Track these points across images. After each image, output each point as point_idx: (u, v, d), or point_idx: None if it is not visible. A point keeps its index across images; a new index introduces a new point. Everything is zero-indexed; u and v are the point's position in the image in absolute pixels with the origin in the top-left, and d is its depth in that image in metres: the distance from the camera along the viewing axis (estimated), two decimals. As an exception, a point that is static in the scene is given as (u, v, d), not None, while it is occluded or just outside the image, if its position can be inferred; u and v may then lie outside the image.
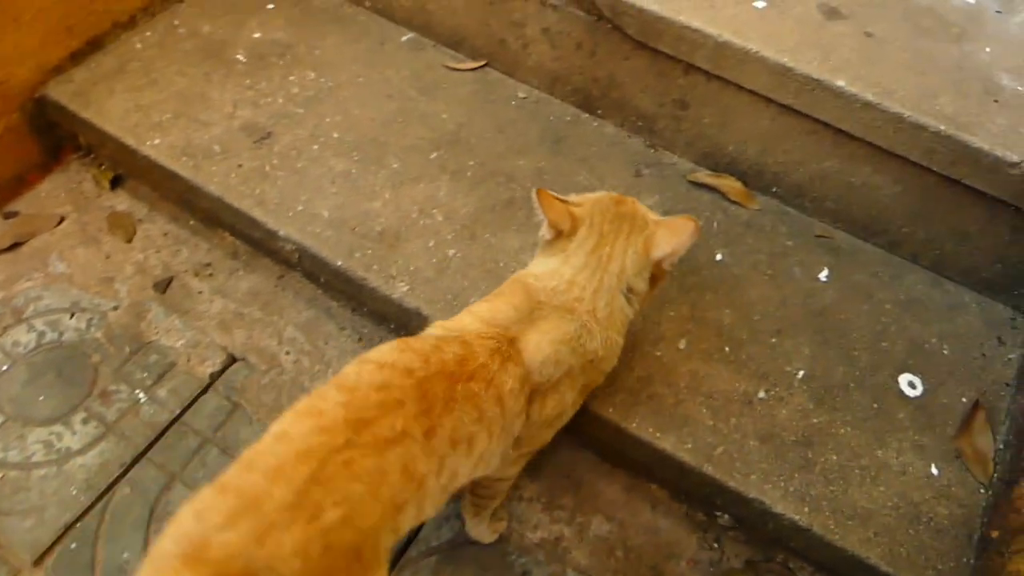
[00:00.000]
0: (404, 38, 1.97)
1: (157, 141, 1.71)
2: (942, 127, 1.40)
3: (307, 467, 0.87)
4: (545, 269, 1.19)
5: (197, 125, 1.74)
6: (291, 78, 1.85)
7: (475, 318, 1.13)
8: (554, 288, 1.16)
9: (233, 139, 1.73)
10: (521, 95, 1.87)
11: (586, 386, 1.22)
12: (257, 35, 1.94)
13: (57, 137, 1.88)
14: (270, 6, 2.01)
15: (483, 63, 1.91)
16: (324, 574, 0.86)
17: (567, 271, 1.18)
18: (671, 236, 1.20)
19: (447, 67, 1.91)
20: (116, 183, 1.90)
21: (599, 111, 1.83)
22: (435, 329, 1.14)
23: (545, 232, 1.22)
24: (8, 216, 1.82)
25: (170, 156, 1.69)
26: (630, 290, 1.20)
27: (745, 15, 1.56)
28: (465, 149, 1.75)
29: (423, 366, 1.01)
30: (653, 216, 1.25)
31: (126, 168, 1.83)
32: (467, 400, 1.02)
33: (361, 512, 0.89)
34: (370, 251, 1.56)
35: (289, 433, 0.92)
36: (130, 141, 1.71)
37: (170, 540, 0.84)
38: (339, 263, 1.54)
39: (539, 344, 1.11)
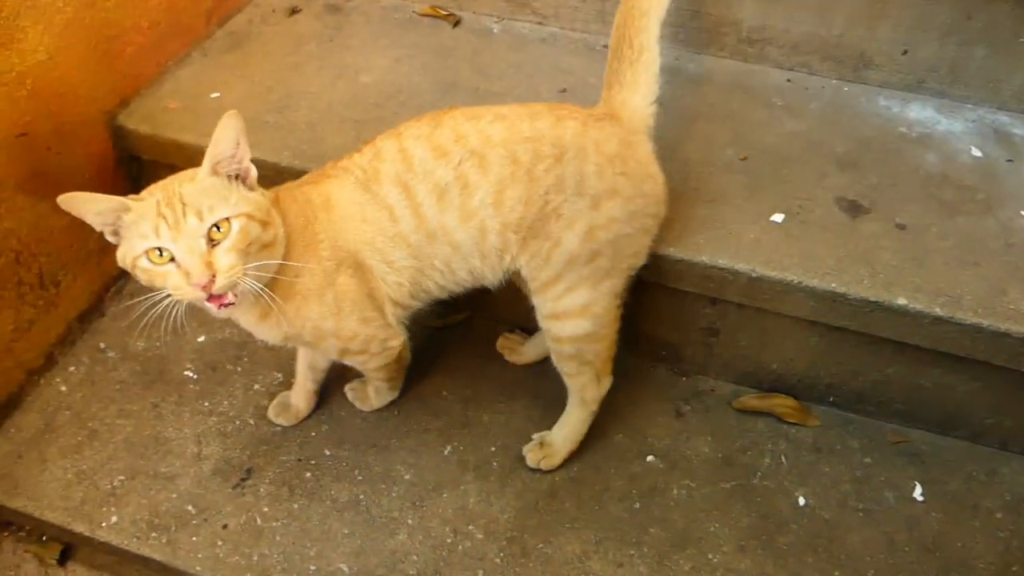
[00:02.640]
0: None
1: (114, 519, 1.40)
2: (1024, 329, 1.26)
3: None
4: None
5: (160, 482, 1.44)
6: (256, 387, 1.58)
7: None
8: None
9: (207, 490, 1.43)
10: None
11: None
12: (201, 339, 1.66)
13: (-17, 521, 1.54)
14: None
15: (467, 314, 1.69)
16: None
17: None
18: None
19: (428, 326, 1.67)
20: (66, 555, 1.56)
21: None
22: None
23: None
24: (-61, 640, 1.47)
25: (135, 536, 1.38)
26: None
27: (768, 236, 1.39)
28: (479, 432, 1.51)
29: None
30: None
31: (79, 542, 1.51)
32: None
33: None
34: (414, 612, 1.29)
35: None
36: (81, 528, 1.40)
37: None
38: (381, 641, 1.26)
39: None
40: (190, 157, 1.56)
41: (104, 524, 1.40)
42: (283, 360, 1.61)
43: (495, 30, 1.86)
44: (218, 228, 1.08)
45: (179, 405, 1.56)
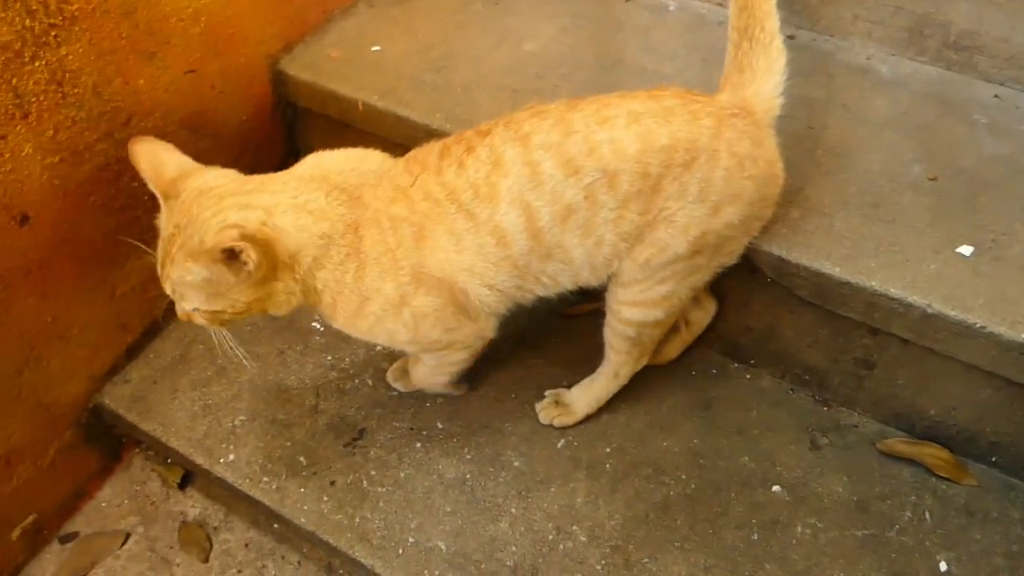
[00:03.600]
0: (502, 276, 1.68)
1: (231, 457, 1.43)
2: None
3: None
4: None
5: (276, 428, 1.47)
6: (378, 348, 1.57)
7: None
8: None
9: (320, 444, 1.45)
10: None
11: None
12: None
13: (117, 437, 1.62)
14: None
15: (600, 304, 1.61)
16: None
17: None
18: None
19: (559, 313, 1.61)
20: (186, 481, 1.63)
21: (752, 361, 1.51)
22: None
23: None
24: (65, 540, 1.56)
25: (248, 477, 1.41)
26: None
27: (951, 270, 1.23)
28: (596, 431, 1.44)
29: None
30: None
31: (198, 472, 1.56)
32: None
33: None
34: (506, 606, 1.25)
35: None
36: (200, 460, 1.44)
37: None
38: (469, 628, 1.23)
39: None
40: (344, 109, 1.56)
41: (222, 460, 1.43)
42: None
43: (671, 7, 1.74)
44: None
45: (303, 355, 1.57)
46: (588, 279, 1.21)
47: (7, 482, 1.40)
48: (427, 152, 1.17)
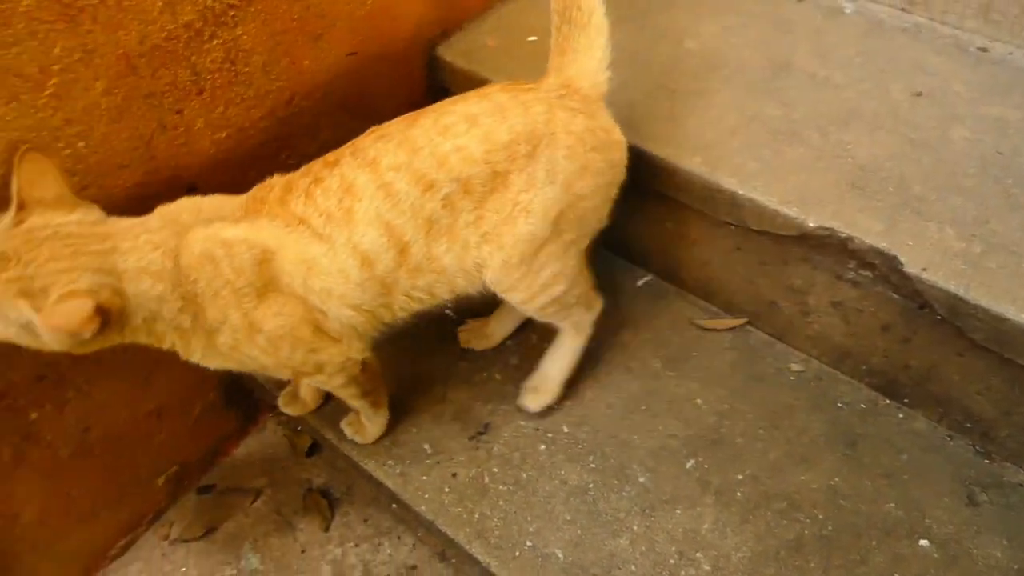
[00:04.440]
0: (640, 282, 1.63)
1: (359, 437, 1.46)
2: None
3: None
4: None
5: (404, 414, 1.47)
6: (508, 343, 1.56)
7: None
8: None
9: (445, 434, 1.45)
10: (795, 367, 1.48)
11: None
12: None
13: (254, 401, 1.69)
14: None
15: (743, 320, 1.53)
16: None
17: None
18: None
19: (697, 325, 1.54)
20: (313, 450, 1.68)
21: (906, 400, 1.40)
22: None
23: None
24: (202, 491, 1.64)
25: (373, 457, 1.43)
26: None
27: None
28: (730, 454, 1.38)
29: None
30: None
31: (325, 444, 1.60)
32: None
33: None
34: (620, 626, 1.21)
35: None
36: (328, 434, 1.48)
37: None
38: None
39: None
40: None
41: (349, 438, 1.46)
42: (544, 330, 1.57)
43: (847, 9, 1.62)
44: None
45: (438, 343, 1.58)
46: (464, 287, 1.23)
47: (157, 433, 1.48)
48: (267, 190, 1.13)
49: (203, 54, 1.19)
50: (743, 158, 1.36)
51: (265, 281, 1.08)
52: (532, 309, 1.30)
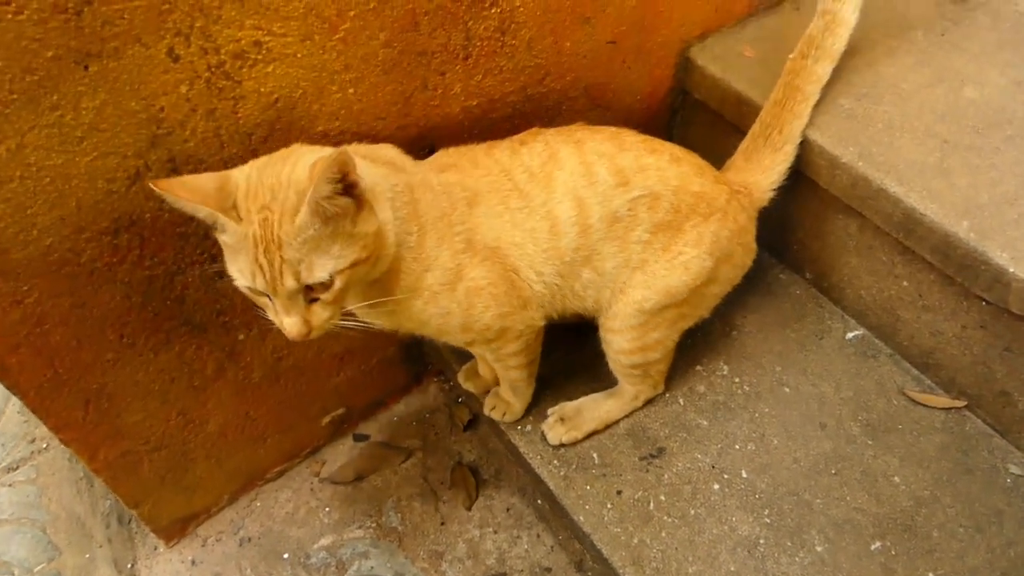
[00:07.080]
0: (851, 335, 1.51)
1: (528, 427, 1.43)
2: None
3: None
4: None
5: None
6: (698, 367, 1.49)
7: None
8: None
9: (616, 448, 1.40)
10: (1014, 470, 1.33)
11: None
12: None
13: (424, 364, 1.70)
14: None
15: (962, 404, 1.40)
16: None
17: None
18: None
19: (908, 396, 1.42)
20: (470, 424, 1.67)
21: None
22: None
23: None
24: (358, 438, 1.68)
25: (539, 455, 1.40)
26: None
27: None
28: (923, 547, 1.26)
29: None
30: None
31: (485, 422, 1.59)
32: None
33: None
34: None
35: None
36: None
37: None
38: None
39: None
40: (743, 113, 1.45)
41: (520, 429, 1.44)
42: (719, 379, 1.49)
43: None
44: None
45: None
46: (600, 305, 1.27)
47: (335, 375, 1.51)
48: (467, 149, 1.18)
49: (480, 20, 1.16)
50: (1020, 231, 1.22)
51: (471, 227, 1.11)
52: (621, 360, 1.32)
